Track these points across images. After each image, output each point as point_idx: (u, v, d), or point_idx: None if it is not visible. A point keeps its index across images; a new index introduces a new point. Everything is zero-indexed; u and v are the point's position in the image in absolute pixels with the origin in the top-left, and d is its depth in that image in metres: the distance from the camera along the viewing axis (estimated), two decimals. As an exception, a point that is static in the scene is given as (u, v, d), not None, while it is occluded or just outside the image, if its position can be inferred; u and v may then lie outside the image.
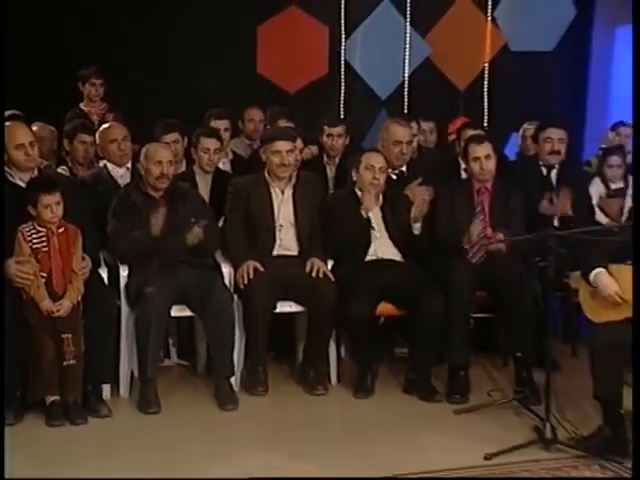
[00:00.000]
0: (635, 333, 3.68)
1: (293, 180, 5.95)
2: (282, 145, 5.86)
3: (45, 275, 5.06)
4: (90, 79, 7.34)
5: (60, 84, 7.24)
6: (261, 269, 5.64)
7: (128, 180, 5.97)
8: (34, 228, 5.08)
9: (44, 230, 5.08)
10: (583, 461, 4.72)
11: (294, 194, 5.94)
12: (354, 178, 6.00)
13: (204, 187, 6.21)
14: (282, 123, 6.71)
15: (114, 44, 7.50)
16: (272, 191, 5.91)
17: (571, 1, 7.82)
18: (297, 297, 5.76)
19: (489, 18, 8.02)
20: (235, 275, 5.72)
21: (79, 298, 5.11)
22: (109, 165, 6.09)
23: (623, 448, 4.77)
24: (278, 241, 5.86)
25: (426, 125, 7.26)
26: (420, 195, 6.00)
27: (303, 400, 5.66)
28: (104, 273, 5.54)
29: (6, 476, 2.84)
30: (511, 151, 7.64)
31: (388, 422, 5.31)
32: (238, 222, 5.86)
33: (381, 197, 5.99)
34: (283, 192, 5.92)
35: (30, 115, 6.19)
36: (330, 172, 6.72)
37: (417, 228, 5.86)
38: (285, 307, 5.78)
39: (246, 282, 5.58)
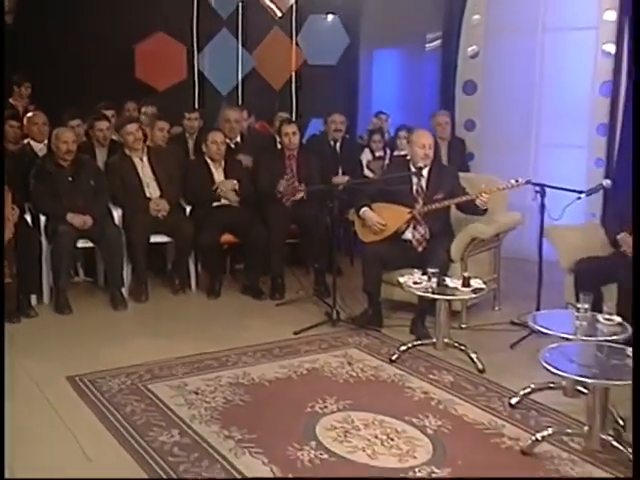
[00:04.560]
0: (635, 328, 3.26)
1: (146, 149, 5.81)
2: (131, 127, 5.72)
3: (-16, 220, 4.86)
4: (23, 83, 7.07)
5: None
6: None
7: (45, 153, 5.73)
8: (-25, 187, 4.87)
9: (-18, 188, 4.88)
10: (355, 331, 4.89)
11: (150, 159, 5.78)
12: (204, 149, 5.93)
13: (101, 156, 6.00)
14: (149, 109, 6.53)
15: (36, 56, 7.17)
16: (134, 161, 5.74)
17: (345, 33, 7.92)
18: (166, 231, 5.67)
19: (294, 42, 8.02)
20: (123, 217, 5.60)
21: (11, 235, 4.92)
22: (32, 142, 5.86)
23: (379, 321, 4.99)
24: (148, 193, 5.71)
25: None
26: None
27: (172, 301, 5.62)
28: (29, 218, 5.34)
29: (6, 476, 2.66)
30: (310, 131, 7.67)
31: (231, 314, 5.32)
32: (119, 189, 5.68)
33: (223, 161, 5.93)
34: (142, 159, 5.77)
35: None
36: (190, 144, 6.57)
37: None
38: (157, 238, 5.69)
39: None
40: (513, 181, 4.85)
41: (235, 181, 5.83)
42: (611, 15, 6.37)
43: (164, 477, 3.08)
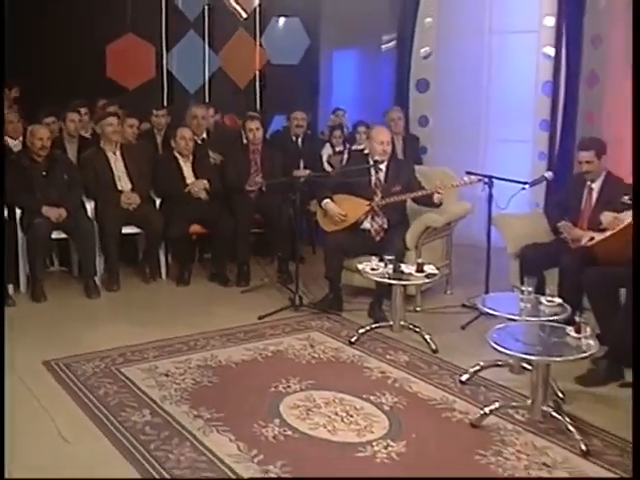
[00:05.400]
0: (635, 326, 3.06)
1: (119, 144, 5.74)
2: (111, 119, 5.67)
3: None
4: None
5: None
6: None
7: (20, 149, 5.63)
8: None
9: (-41, 182, 4.79)
10: (317, 315, 4.90)
11: (122, 153, 5.71)
12: (173, 145, 5.87)
13: (71, 152, 5.91)
14: (112, 108, 6.40)
15: (12, 55, 7.03)
16: (108, 155, 5.67)
17: (306, 34, 7.89)
18: (137, 222, 5.60)
19: (258, 43, 7.97)
20: (95, 209, 5.53)
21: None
22: (7, 139, 5.72)
23: (339, 306, 5.00)
24: (120, 186, 5.63)
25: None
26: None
27: (144, 289, 5.56)
28: (5, 211, 5.20)
29: (6, 477, 2.59)
30: (274, 127, 7.64)
31: (199, 301, 5.28)
32: (92, 182, 5.60)
33: (191, 156, 5.88)
34: (115, 153, 5.70)
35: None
36: (158, 140, 6.48)
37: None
38: (129, 230, 5.62)
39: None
40: (466, 179, 4.95)
41: (206, 181, 5.78)
42: (550, 20, 6.50)
43: (136, 455, 3.06)
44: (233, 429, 3.27)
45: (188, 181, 5.80)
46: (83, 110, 6.34)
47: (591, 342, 3.25)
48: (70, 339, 4.40)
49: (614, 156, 4.87)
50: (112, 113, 5.94)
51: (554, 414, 3.27)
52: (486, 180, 4.89)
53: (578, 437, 3.14)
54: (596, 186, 4.57)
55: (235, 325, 4.67)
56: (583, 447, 3.10)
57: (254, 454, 3.07)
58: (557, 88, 6.48)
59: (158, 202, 5.80)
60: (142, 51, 7.71)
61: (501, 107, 6.89)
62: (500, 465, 3.02)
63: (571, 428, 3.18)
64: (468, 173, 5.02)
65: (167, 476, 2.91)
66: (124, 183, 5.66)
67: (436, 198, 4.87)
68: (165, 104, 7.52)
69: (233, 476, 2.92)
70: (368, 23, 7.76)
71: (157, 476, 2.91)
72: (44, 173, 5.36)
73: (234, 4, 7.94)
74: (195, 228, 5.70)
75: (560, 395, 3.57)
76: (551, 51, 6.48)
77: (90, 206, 5.54)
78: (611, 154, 4.64)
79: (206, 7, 7.88)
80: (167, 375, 3.88)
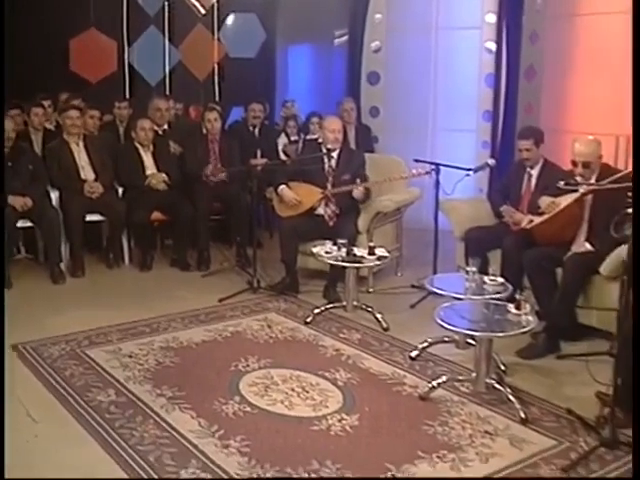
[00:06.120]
0: (635, 327, 2.83)
1: (82, 135, 5.62)
2: (72, 113, 5.55)
3: None
4: None
5: None
6: None
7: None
8: None
9: None
10: (274, 297, 4.87)
11: (86, 145, 5.60)
12: (133, 136, 5.76)
13: (37, 141, 5.78)
14: (76, 101, 6.23)
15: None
16: (72, 146, 5.55)
17: (262, 29, 7.80)
18: (100, 211, 5.49)
19: (216, 37, 7.86)
20: (60, 198, 5.40)
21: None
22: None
23: (296, 288, 4.98)
24: (83, 176, 5.53)
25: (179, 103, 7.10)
26: None
27: (108, 275, 5.47)
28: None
29: (5, 476, 2.48)
30: (232, 118, 7.57)
31: (161, 285, 5.21)
32: (57, 172, 5.46)
33: (152, 146, 5.78)
34: (78, 144, 5.58)
35: None
36: (121, 131, 6.35)
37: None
38: (92, 217, 5.51)
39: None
40: (414, 171, 4.96)
41: (164, 174, 5.69)
42: (492, 17, 6.58)
43: (102, 433, 3.02)
44: (194, 406, 3.25)
45: (148, 171, 5.71)
46: (47, 103, 6.21)
47: (530, 318, 3.31)
48: (37, 323, 4.31)
49: (551, 144, 4.94)
50: (74, 106, 5.82)
51: (496, 385, 3.32)
52: (433, 167, 4.91)
53: (518, 406, 3.20)
54: (535, 172, 4.62)
55: (196, 308, 4.63)
56: (522, 415, 3.16)
57: (215, 429, 3.06)
58: (498, 81, 6.56)
59: (120, 191, 5.70)
60: (104, 45, 7.54)
61: (447, 98, 6.94)
62: (446, 434, 3.05)
63: (512, 398, 3.24)
64: (416, 161, 5.04)
65: (131, 452, 2.88)
66: (87, 173, 5.56)
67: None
68: (127, 96, 7.38)
69: (196, 451, 2.90)
70: (321, 19, 7.74)
71: (122, 453, 2.88)
72: (9, 164, 5.21)
73: (193, 0, 7.82)
74: (156, 215, 5.61)
75: (502, 368, 3.63)
76: (493, 46, 6.56)
77: (55, 195, 5.43)
78: (548, 142, 4.70)
79: (166, 3, 7.74)
80: (131, 356, 3.83)
